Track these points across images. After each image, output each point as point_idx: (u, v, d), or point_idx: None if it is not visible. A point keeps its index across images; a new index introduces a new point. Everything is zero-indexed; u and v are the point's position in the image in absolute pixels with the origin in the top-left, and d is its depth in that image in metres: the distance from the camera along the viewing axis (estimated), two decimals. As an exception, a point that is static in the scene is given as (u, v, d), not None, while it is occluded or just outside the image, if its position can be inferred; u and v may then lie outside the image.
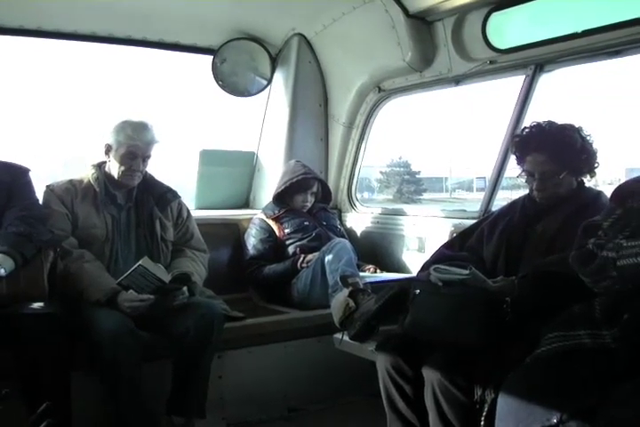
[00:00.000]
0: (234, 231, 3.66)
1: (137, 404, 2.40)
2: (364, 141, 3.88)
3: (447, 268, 2.11)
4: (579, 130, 2.27)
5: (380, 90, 3.66)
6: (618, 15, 2.47)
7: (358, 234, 3.85)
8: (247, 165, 4.15)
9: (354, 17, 3.37)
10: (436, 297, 2.09)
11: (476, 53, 3.08)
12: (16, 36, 3.32)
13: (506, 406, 1.64)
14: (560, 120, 2.30)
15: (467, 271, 2.05)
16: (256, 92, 3.98)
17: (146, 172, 2.79)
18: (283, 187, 3.47)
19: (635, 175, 1.91)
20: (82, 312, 2.45)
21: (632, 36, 2.48)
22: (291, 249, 3.40)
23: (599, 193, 2.30)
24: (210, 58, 3.78)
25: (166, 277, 2.58)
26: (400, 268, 3.53)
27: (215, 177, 4.05)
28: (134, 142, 2.67)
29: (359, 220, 3.89)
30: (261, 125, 4.09)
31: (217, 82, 3.82)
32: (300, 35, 3.78)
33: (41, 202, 2.62)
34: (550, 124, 2.28)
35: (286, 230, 3.44)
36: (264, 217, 3.50)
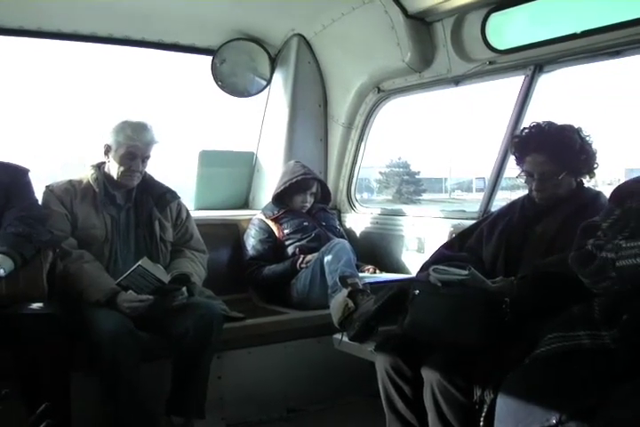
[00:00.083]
0: (233, 232, 3.66)
1: (136, 404, 2.40)
2: (363, 142, 3.88)
3: (446, 268, 2.11)
4: (578, 130, 2.27)
5: (379, 90, 3.66)
6: (617, 16, 2.47)
7: (357, 234, 3.85)
8: (246, 165, 4.15)
9: (353, 17, 3.37)
10: (436, 297, 2.09)
11: (475, 54, 3.08)
12: (16, 37, 3.32)
13: (505, 406, 1.64)
14: (559, 121, 2.31)
15: (466, 272, 2.05)
16: (255, 92, 3.98)
17: (145, 172, 2.79)
18: (282, 187, 3.47)
19: (634, 176, 1.91)
20: (81, 313, 2.45)
21: (631, 36, 2.48)
22: (290, 249, 3.40)
23: (598, 193, 2.31)
24: (209, 58, 3.78)
25: (165, 278, 2.58)
26: (399, 268, 3.53)
27: (214, 177, 4.05)
28: (134, 143, 2.67)
29: (358, 220, 3.89)
30: (261, 126, 4.08)
31: (216, 82, 3.82)
32: (300, 35, 3.78)
33: (40, 202, 2.62)
34: (550, 124, 2.28)
35: (286, 231, 3.43)
36: (263, 217, 3.50)
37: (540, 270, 2.07)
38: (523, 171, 2.32)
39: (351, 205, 3.99)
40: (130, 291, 2.50)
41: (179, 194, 2.94)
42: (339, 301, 2.59)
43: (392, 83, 3.56)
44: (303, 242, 3.40)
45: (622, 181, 1.95)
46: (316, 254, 3.22)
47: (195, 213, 3.22)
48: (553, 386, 1.58)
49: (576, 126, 2.28)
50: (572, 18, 2.67)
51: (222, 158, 4.14)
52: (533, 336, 1.81)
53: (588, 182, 2.36)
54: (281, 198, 3.52)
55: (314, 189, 3.54)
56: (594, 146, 2.28)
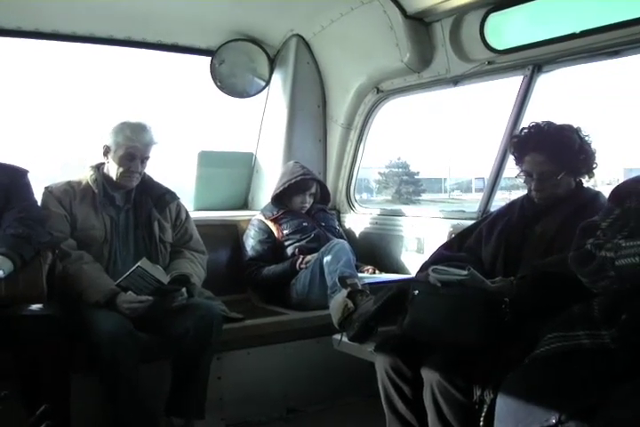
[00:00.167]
0: (232, 232, 3.66)
1: (136, 405, 2.40)
2: (362, 142, 3.88)
3: (446, 268, 2.10)
4: (577, 130, 2.27)
5: (378, 91, 3.66)
6: (616, 15, 2.47)
7: (357, 235, 3.85)
8: (246, 166, 4.15)
9: (352, 18, 3.38)
10: (435, 298, 2.09)
11: (474, 54, 3.09)
12: (14, 38, 3.31)
13: (505, 406, 1.64)
14: (558, 121, 2.31)
15: (465, 272, 2.05)
16: (254, 93, 3.98)
17: (144, 173, 2.79)
18: (281, 188, 3.47)
19: (633, 175, 1.91)
20: (81, 314, 2.45)
21: (630, 36, 2.48)
22: (289, 250, 3.40)
23: (597, 193, 2.31)
24: (208, 59, 3.78)
25: (165, 279, 2.58)
26: (399, 269, 3.53)
27: (214, 178, 4.05)
28: (133, 144, 2.67)
29: (358, 221, 3.89)
30: (260, 126, 4.08)
31: (215, 83, 3.82)
32: (299, 36, 3.78)
33: (39, 203, 2.62)
34: (549, 124, 2.29)
35: (285, 231, 3.43)
36: (263, 218, 3.50)
37: (539, 270, 2.07)
38: (522, 171, 2.32)
39: (350, 206, 3.99)
40: (129, 292, 2.50)
41: (178, 195, 2.94)
42: (338, 301, 2.59)
43: (391, 83, 3.56)
44: (302, 242, 3.40)
45: (621, 181, 1.94)
46: (315, 255, 3.22)
47: (194, 214, 3.22)
48: (553, 386, 1.58)
49: (575, 126, 2.28)
50: (571, 18, 2.67)
51: (221, 159, 4.14)
52: (533, 336, 1.81)
53: (587, 182, 2.36)
54: (280, 199, 3.51)
55: (313, 190, 3.54)
56: (593, 146, 2.28)
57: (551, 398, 1.55)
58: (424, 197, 16.54)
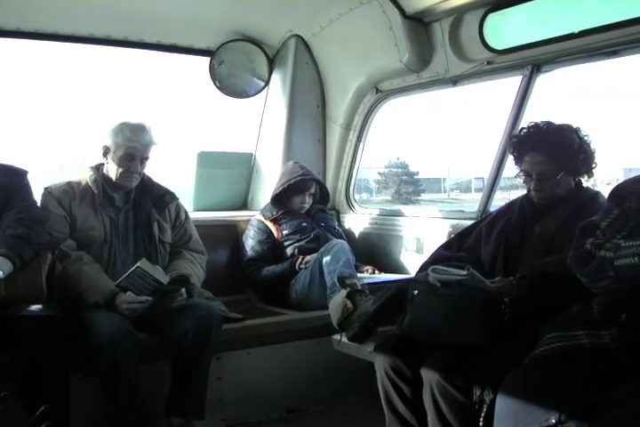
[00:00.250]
0: (232, 233, 3.66)
1: (136, 405, 2.40)
2: (361, 143, 3.88)
3: (445, 268, 2.10)
4: (576, 130, 2.27)
5: (377, 91, 3.66)
6: (615, 15, 2.47)
7: (356, 235, 3.84)
8: (245, 166, 4.15)
9: (351, 18, 3.38)
10: (435, 298, 2.09)
11: (473, 54, 3.09)
12: (13, 39, 3.31)
13: (504, 406, 1.64)
14: (558, 120, 2.31)
15: (465, 272, 2.05)
16: (254, 93, 3.97)
17: (144, 174, 2.79)
18: (281, 188, 3.47)
19: (632, 175, 1.91)
20: (80, 314, 2.45)
21: (629, 36, 2.48)
22: (289, 250, 3.40)
23: (597, 193, 2.31)
24: (207, 59, 3.78)
25: (164, 279, 2.58)
26: (398, 269, 3.52)
27: (213, 179, 4.05)
28: (132, 144, 2.67)
29: (357, 221, 3.89)
30: (259, 127, 4.08)
31: (214, 83, 3.81)
32: (298, 36, 3.78)
33: (39, 204, 2.62)
34: (548, 124, 2.29)
35: (284, 232, 3.43)
36: (262, 218, 3.49)
37: (538, 270, 2.07)
38: (521, 171, 2.32)
39: (350, 206, 3.99)
40: (129, 292, 2.50)
41: (177, 195, 2.94)
42: (337, 301, 2.59)
43: (390, 83, 3.56)
44: (302, 243, 3.40)
45: (621, 181, 1.94)
46: (314, 255, 3.22)
47: (193, 215, 3.22)
48: (552, 386, 1.58)
49: (574, 126, 2.28)
50: (570, 18, 2.67)
51: (221, 159, 4.14)
52: (532, 336, 1.81)
53: (586, 182, 2.36)
54: (280, 199, 3.52)
55: (312, 190, 3.54)
56: (592, 145, 2.28)
57: (551, 398, 1.55)
58: (423, 197, 16.56)
